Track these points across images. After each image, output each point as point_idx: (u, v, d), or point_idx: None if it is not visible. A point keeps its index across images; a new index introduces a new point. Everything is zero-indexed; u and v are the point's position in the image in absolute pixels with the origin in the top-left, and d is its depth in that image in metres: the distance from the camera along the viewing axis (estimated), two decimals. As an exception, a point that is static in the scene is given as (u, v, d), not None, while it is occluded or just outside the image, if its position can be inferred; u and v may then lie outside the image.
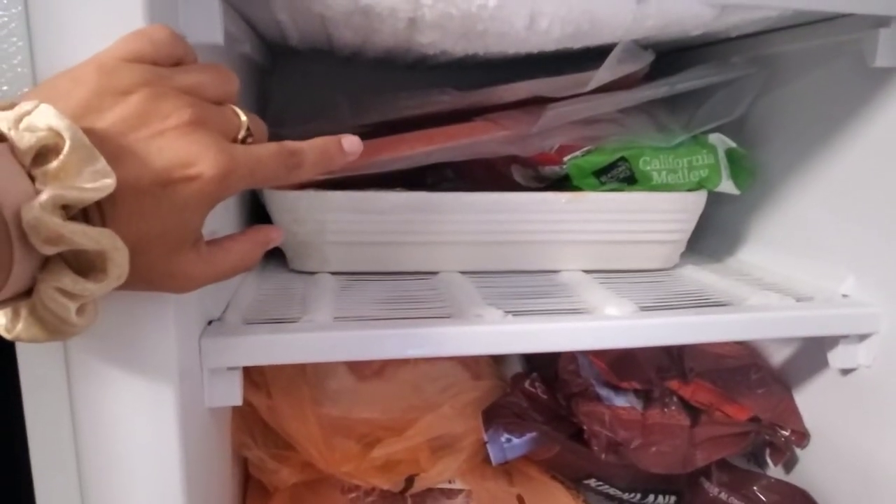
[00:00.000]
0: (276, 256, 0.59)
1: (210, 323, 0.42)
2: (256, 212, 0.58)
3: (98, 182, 0.23)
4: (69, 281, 0.24)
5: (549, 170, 0.59)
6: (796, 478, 0.59)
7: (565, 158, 0.58)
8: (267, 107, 0.69)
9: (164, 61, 0.29)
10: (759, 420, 0.57)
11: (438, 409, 0.52)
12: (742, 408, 0.58)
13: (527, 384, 0.56)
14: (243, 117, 0.31)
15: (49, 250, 0.23)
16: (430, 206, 0.54)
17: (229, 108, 0.31)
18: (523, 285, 0.53)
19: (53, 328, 0.25)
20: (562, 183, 0.60)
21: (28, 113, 0.23)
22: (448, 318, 0.44)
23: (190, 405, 0.39)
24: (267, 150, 0.30)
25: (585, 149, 0.58)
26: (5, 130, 0.23)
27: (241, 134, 0.31)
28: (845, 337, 0.50)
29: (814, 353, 0.54)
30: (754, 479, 0.58)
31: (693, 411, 0.57)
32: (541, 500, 0.54)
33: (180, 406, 0.37)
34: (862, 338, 0.50)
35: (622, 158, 0.58)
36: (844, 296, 0.52)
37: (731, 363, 0.59)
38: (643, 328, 0.46)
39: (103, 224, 0.25)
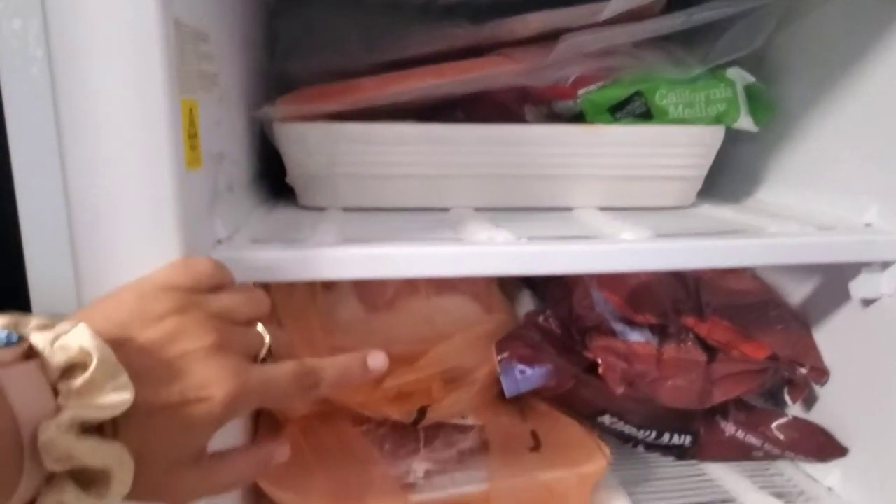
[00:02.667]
0: (285, 194, 0.59)
1: (220, 242, 0.42)
2: (265, 143, 0.57)
3: (117, 397, 0.25)
4: (72, 498, 0.25)
5: (563, 105, 0.58)
6: (816, 416, 0.58)
7: (579, 92, 0.57)
8: (275, 45, 0.68)
9: (203, 289, 0.32)
10: (777, 358, 0.56)
11: (450, 340, 0.51)
12: (760, 346, 0.56)
13: (540, 319, 0.56)
14: (267, 339, 0.33)
15: (58, 468, 0.24)
16: (442, 138, 0.53)
17: (254, 330, 0.33)
18: (537, 219, 0.52)
19: None
20: (576, 121, 0.59)
21: (65, 333, 0.25)
22: (461, 241, 0.44)
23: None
24: (283, 369, 0.32)
25: (600, 83, 0.57)
26: (40, 349, 0.25)
27: (262, 353, 0.33)
28: (867, 265, 0.49)
29: (834, 286, 0.53)
30: (772, 417, 0.57)
31: (709, 349, 0.56)
32: (555, 435, 0.53)
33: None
34: (885, 266, 0.48)
35: (638, 93, 0.57)
36: (867, 225, 0.50)
37: (748, 299, 0.57)
38: (659, 251, 0.45)
39: (115, 434, 0.27)
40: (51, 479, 0.25)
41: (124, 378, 0.26)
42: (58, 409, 0.24)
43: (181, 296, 0.30)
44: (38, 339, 0.25)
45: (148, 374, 0.27)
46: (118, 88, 0.31)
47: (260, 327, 0.34)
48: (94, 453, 0.25)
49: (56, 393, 0.25)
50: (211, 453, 0.32)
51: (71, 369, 0.25)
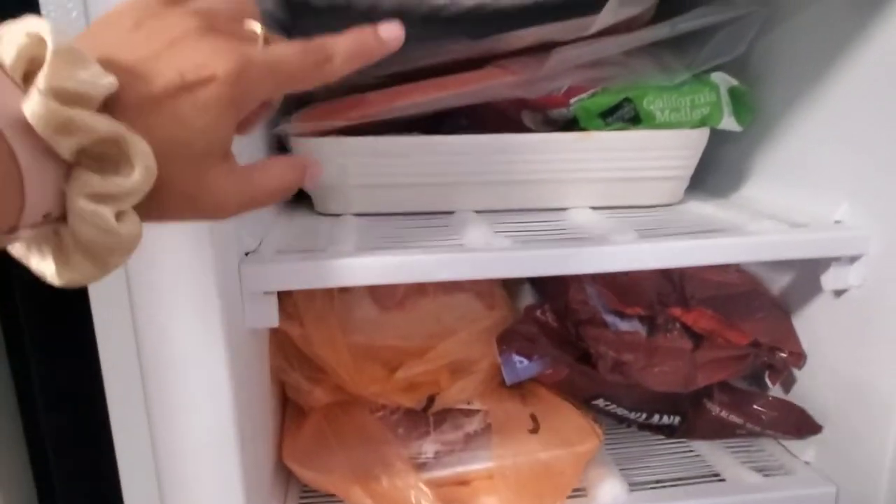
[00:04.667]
0: (303, 202, 0.64)
1: (247, 254, 0.47)
2: (282, 151, 0.62)
3: (95, 77, 0.23)
4: (97, 182, 0.23)
5: (557, 112, 0.62)
6: (794, 397, 0.62)
7: (572, 100, 0.61)
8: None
9: None
10: (758, 344, 0.60)
11: (456, 335, 0.57)
12: (743, 333, 0.61)
13: (538, 313, 0.61)
14: (259, 29, 0.29)
15: (63, 143, 0.22)
16: (445, 149, 0.58)
17: (244, 21, 0.29)
18: (534, 220, 0.57)
19: (98, 250, 0.24)
20: (570, 126, 0.63)
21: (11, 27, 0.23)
22: (462, 246, 0.49)
23: (233, 325, 0.44)
24: (288, 46, 0.29)
25: (591, 91, 0.61)
26: None
27: (259, 44, 0.29)
28: (837, 259, 0.53)
29: (809, 278, 0.57)
30: (754, 398, 0.62)
31: (695, 337, 0.61)
32: (553, 418, 0.59)
33: (225, 326, 0.42)
34: (852, 260, 0.53)
35: (627, 99, 0.61)
36: (837, 222, 0.54)
37: (731, 290, 0.62)
38: (644, 252, 0.49)
39: None
40: (71, 176, 0.23)
41: (96, 67, 0.23)
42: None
43: (154, 2, 0.27)
44: None
45: (136, 70, 0.25)
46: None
47: (251, 21, 0.30)
48: (94, 120, 0.23)
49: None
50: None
51: (31, 70, 0.22)
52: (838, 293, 0.55)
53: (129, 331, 0.42)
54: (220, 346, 0.42)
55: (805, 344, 0.60)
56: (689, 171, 0.63)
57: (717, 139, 0.63)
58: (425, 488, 0.52)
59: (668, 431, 0.64)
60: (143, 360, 0.43)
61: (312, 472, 0.54)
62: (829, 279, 0.54)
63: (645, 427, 0.64)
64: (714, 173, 0.70)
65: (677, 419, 0.63)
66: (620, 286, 0.60)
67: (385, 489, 0.52)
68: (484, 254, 0.47)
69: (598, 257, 0.49)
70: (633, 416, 0.62)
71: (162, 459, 0.45)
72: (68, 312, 0.51)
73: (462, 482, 0.56)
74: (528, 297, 0.66)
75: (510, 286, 0.66)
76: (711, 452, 0.62)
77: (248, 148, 0.52)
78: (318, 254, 0.46)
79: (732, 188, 0.68)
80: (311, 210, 0.62)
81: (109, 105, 0.24)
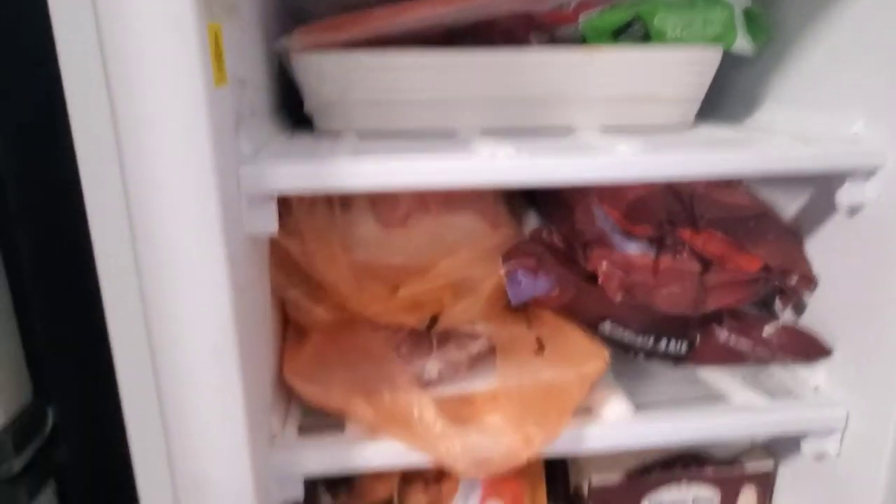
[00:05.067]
0: (303, 123, 0.62)
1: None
2: (283, 77, 0.61)
3: None
4: None
5: (566, 30, 0.61)
6: (804, 321, 0.61)
7: (581, 17, 0.59)
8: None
9: None
10: (769, 269, 0.59)
11: (459, 253, 0.56)
12: (753, 258, 0.60)
13: (544, 234, 0.60)
14: None
15: None
16: (448, 64, 0.56)
17: None
18: (540, 139, 0.55)
19: None
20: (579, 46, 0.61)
21: None
22: (465, 155, 0.47)
23: (232, 231, 0.43)
24: None
25: (600, 8, 0.59)
26: None
27: None
28: (852, 174, 0.51)
29: (822, 198, 0.56)
30: (763, 323, 0.61)
31: (705, 262, 0.60)
32: (558, 341, 0.58)
33: (224, 230, 0.41)
34: (868, 174, 0.51)
35: (637, 17, 0.59)
36: (854, 135, 0.53)
37: (742, 213, 0.60)
38: (652, 163, 0.48)
39: None
40: None
41: None
42: None
43: None
44: None
45: None
46: (156, 15, 0.35)
47: None
48: None
49: None
50: None
51: None
52: (852, 212, 0.54)
53: (127, 241, 0.41)
54: (220, 250, 0.41)
55: (816, 267, 0.59)
56: (701, 92, 0.61)
57: (730, 64, 0.61)
58: (428, 402, 0.51)
59: (675, 359, 0.63)
60: (140, 265, 0.42)
61: (314, 387, 0.53)
62: (845, 195, 0.52)
63: (652, 354, 0.63)
64: (727, 99, 0.68)
65: (685, 346, 0.62)
66: (628, 205, 0.59)
67: (387, 403, 0.51)
68: (488, 161, 0.46)
69: (605, 166, 0.47)
70: (640, 341, 0.61)
71: (162, 371, 0.45)
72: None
73: (466, 401, 0.55)
74: (532, 223, 0.65)
75: (515, 210, 0.65)
76: (720, 378, 0.61)
77: (245, 68, 0.51)
78: (318, 156, 0.45)
79: (746, 113, 0.66)
80: (311, 131, 0.61)
81: None
